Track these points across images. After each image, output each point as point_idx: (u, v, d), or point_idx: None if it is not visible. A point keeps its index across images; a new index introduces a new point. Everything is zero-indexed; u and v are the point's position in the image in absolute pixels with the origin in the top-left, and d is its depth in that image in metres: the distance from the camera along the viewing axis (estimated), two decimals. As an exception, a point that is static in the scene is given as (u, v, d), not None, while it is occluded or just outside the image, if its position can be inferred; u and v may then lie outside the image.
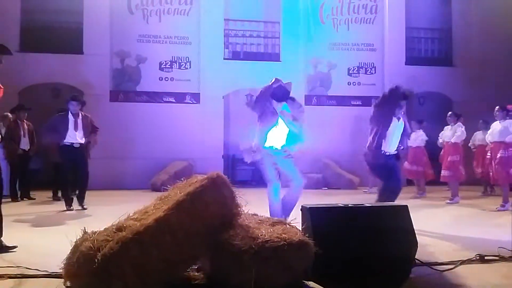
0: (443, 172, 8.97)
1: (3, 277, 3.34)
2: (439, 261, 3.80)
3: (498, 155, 7.72)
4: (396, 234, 3.20)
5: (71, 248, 2.94)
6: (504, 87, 12.82)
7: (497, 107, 7.84)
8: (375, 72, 13.98)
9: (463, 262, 3.83)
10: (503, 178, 7.73)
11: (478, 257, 3.95)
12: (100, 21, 12.44)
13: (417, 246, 3.24)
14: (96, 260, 2.57)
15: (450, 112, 9.38)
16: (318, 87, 13.74)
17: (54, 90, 12.71)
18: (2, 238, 4.34)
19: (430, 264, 3.67)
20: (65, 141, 7.43)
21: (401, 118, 5.97)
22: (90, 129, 7.75)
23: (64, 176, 7.88)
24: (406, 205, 3.39)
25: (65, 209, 7.59)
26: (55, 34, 12.36)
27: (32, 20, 12.42)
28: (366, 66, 13.97)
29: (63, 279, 3.00)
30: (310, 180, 12.56)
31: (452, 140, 8.88)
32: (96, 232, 2.96)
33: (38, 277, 3.37)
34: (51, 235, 5.44)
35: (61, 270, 2.97)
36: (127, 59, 12.72)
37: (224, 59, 13.37)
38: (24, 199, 9.10)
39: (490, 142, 8.10)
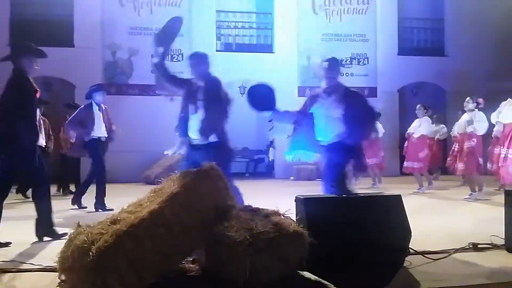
0: (411, 164, 9.05)
1: (-2, 272, 3.33)
2: (433, 250, 3.83)
3: (465, 147, 7.69)
4: (390, 223, 3.22)
5: (65, 242, 2.94)
6: (497, 77, 12.88)
7: (468, 98, 7.79)
8: (368, 63, 13.99)
9: (456, 251, 3.86)
10: (472, 169, 7.67)
11: (471, 246, 3.99)
12: (91, 13, 12.34)
13: (411, 235, 3.26)
14: (90, 254, 2.56)
15: (418, 105, 9.40)
16: (311, 78, 13.72)
17: (45, 84, 12.60)
18: None
19: (423, 253, 3.70)
20: (93, 134, 6.96)
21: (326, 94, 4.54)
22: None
23: (100, 171, 7.21)
24: (400, 195, 3.40)
25: (75, 207, 7.14)
26: (45, 28, 12.24)
27: (21, 13, 12.30)
28: (359, 57, 13.97)
29: (57, 273, 3.00)
30: (304, 171, 12.62)
31: (424, 133, 9.04)
32: (90, 225, 2.96)
33: (32, 271, 3.36)
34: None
35: (56, 264, 2.97)
36: (118, 51, 12.63)
37: (216, 51, 13.31)
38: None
39: (458, 133, 8.12)
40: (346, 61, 13.90)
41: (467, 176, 8.15)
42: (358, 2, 13.91)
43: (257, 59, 13.27)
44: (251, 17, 13.82)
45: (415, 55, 14.21)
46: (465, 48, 14.03)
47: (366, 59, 13.98)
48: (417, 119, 9.20)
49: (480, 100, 7.60)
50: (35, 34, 12.10)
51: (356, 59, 13.95)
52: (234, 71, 13.19)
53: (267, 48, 13.66)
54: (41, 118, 8.59)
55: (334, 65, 4.61)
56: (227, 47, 13.59)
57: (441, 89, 14.45)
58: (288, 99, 13.40)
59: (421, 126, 9.04)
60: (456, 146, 8.55)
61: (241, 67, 13.12)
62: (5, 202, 4.55)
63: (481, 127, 7.50)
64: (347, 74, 13.88)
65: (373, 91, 13.94)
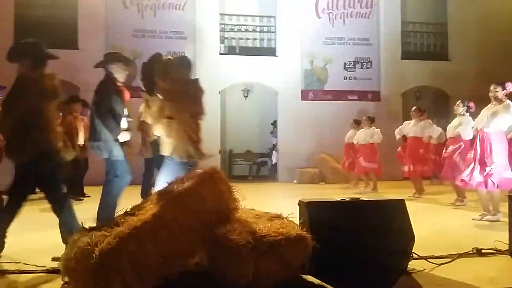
0: (406, 168, 8.98)
1: (1, 273, 3.34)
2: (436, 255, 3.82)
3: (448, 151, 7.56)
4: (393, 228, 3.21)
5: (69, 243, 2.94)
6: (500, 81, 12.85)
7: (458, 101, 7.63)
8: (371, 67, 13.99)
9: (460, 256, 3.85)
10: (448, 175, 7.56)
11: (475, 251, 3.98)
12: (95, 16, 12.37)
13: (414, 240, 3.26)
14: (93, 255, 2.57)
15: (414, 107, 9.30)
16: (315, 82, 13.74)
17: (49, 86, 12.67)
18: None
19: (427, 258, 3.69)
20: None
21: None
22: None
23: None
24: (403, 199, 3.39)
25: None
26: (49, 30, 12.26)
27: (26, 15, 12.34)
28: (362, 61, 13.97)
29: (61, 275, 3.00)
30: (307, 174, 12.62)
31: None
32: (93, 227, 2.96)
33: (36, 273, 3.36)
34: (49, 230, 5.42)
35: (59, 266, 2.97)
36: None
37: (220, 54, 13.34)
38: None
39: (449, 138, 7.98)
40: (349, 65, 13.90)
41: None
42: (362, 6, 13.92)
43: (260, 62, 13.27)
44: (254, 20, 13.83)
45: (418, 59, 14.20)
46: (468, 52, 14.01)
47: (369, 63, 13.98)
48: (410, 121, 9.10)
49: (471, 104, 7.47)
50: (40, 36, 12.10)
51: (359, 63, 13.95)
52: (237, 74, 13.22)
53: (271, 51, 13.67)
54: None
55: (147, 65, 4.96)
56: (231, 50, 13.61)
57: (444, 93, 14.43)
58: (292, 102, 13.54)
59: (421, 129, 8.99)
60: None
61: (245, 70, 13.14)
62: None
63: (466, 132, 7.34)
64: (350, 78, 13.90)
65: (376, 95, 13.94)
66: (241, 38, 13.73)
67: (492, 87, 6.00)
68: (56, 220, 6.20)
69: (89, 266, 2.57)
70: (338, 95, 13.76)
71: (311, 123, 13.20)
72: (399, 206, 3.33)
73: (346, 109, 13.23)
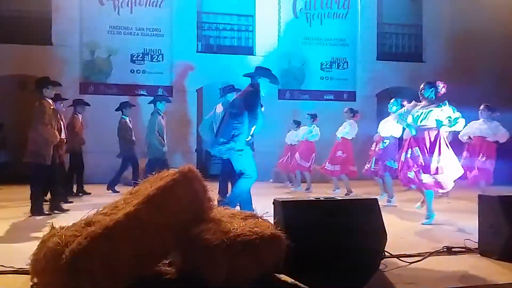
0: (331, 167, 9.22)
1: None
2: (408, 253, 3.87)
3: (377, 148, 7.75)
4: (366, 227, 3.24)
5: (38, 243, 2.88)
6: (474, 83, 13.13)
7: (393, 99, 7.80)
8: (347, 67, 14.11)
9: (431, 254, 3.91)
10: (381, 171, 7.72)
11: (445, 249, 4.05)
12: (69, 11, 12.15)
13: (387, 239, 3.29)
14: (64, 256, 2.52)
15: (346, 108, 9.44)
16: (292, 81, 13.78)
17: (21, 83, 12.38)
18: None
19: (399, 256, 3.74)
20: None
21: None
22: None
23: None
24: (376, 199, 3.43)
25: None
26: (22, 25, 12.00)
27: (-2, 9, 12.05)
28: (338, 61, 14.08)
29: (30, 276, 2.93)
30: (283, 174, 12.63)
31: (342, 136, 9.14)
32: (64, 227, 2.90)
33: (4, 274, 3.28)
34: (17, 230, 5.30)
35: (28, 266, 2.90)
36: (97, 50, 12.46)
37: (197, 52, 13.26)
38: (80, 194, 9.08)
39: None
40: (326, 65, 13.99)
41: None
42: (339, 6, 14.03)
43: (238, 61, 13.24)
44: (232, 19, 13.79)
45: (394, 60, 14.39)
46: (443, 54, 14.25)
47: (345, 63, 14.10)
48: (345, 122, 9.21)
49: (405, 102, 7.62)
50: (12, 32, 11.87)
51: (336, 63, 14.06)
52: (214, 73, 13.17)
53: (248, 50, 13.66)
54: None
55: None
56: (208, 49, 13.54)
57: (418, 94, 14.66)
58: (269, 102, 13.51)
59: (345, 129, 9.08)
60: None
61: (222, 69, 13.09)
62: None
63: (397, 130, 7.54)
64: (326, 78, 13.99)
65: (351, 95, 14.07)
66: (218, 37, 13.68)
67: (421, 86, 6.13)
68: (29, 219, 6.07)
69: (59, 267, 2.52)
70: (315, 95, 13.85)
71: (287, 122, 13.24)
72: (372, 205, 3.36)
73: (322, 109, 13.31)
